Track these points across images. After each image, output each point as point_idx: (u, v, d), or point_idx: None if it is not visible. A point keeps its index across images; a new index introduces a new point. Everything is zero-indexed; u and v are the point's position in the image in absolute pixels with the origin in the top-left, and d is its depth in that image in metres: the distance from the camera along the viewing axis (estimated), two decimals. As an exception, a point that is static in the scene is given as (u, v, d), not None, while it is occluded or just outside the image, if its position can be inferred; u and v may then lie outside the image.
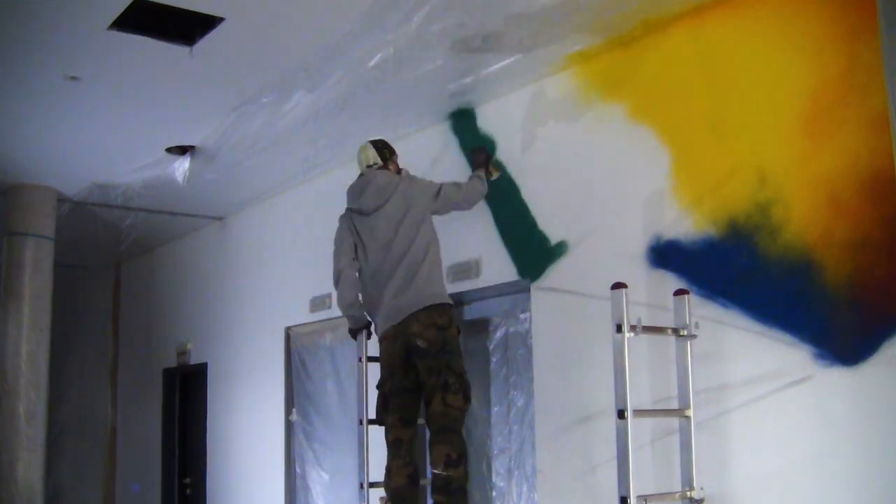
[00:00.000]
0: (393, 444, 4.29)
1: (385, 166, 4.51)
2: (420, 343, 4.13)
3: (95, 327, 9.72)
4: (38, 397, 6.52)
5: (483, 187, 4.61)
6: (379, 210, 4.37)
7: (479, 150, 4.77)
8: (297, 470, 6.53)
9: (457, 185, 4.53)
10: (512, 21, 4.00)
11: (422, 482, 4.48)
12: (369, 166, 4.52)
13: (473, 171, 4.70)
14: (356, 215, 4.47)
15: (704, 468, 3.58)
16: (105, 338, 9.65)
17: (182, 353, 8.19)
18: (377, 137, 4.65)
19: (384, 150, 4.56)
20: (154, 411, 8.64)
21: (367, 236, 4.40)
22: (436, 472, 4.06)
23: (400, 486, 4.24)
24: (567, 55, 4.32)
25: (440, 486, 4.06)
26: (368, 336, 4.58)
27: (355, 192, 4.52)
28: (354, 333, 4.61)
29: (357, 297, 4.48)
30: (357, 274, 4.45)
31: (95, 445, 9.52)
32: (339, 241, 4.52)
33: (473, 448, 5.13)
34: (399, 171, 4.56)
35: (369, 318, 4.50)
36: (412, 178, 4.51)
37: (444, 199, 4.43)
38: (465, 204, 4.56)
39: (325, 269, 6.24)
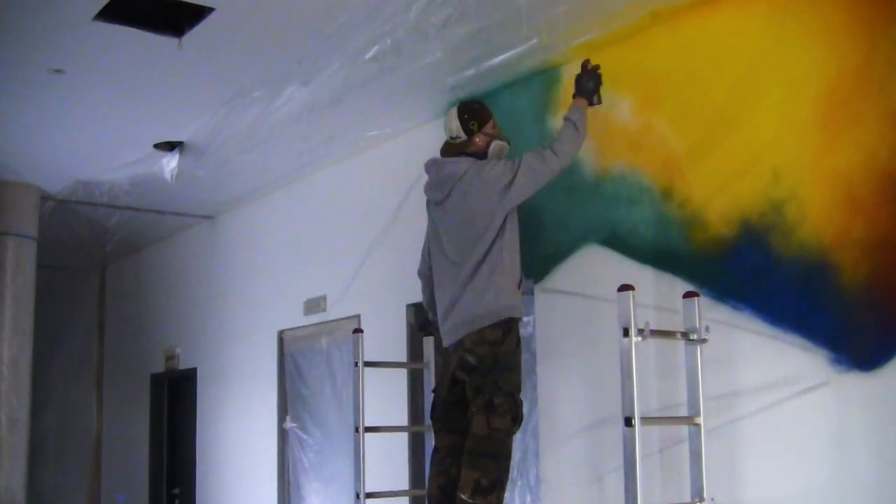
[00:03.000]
0: (433, 452, 4.12)
1: (470, 141, 4.01)
2: (470, 359, 3.83)
3: (80, 331, 9.72)
4: (21, 404, 6.52)
5: (579, 136, 3.91)
6: (443, 203, 4.00)
7: (589, 71, 4.04)
8: (291, 480, 6.53)
9: (538, 154, 3.87)
10: (515, 12, 4.00)
11: None
12: (452, 138, 4.05)
13: (574, 104, 3.99)
14: (429, 204, 4.14)
15: (715, 478, 3.58)
16: (90, 342, 9.65)
17: (170, 357, 8.19)
18: (471, 100, 4.21)
19: (472, 120, 4.01)
20: (141, 418, 8.63)
21: (432, 230, 4.11)
22: (462, 497, 3.74)
23: (431, 496, 4.04)
24: (572, 47, 4.32)
25: None
26: (433, 331, 4.37)
27: (428, 174, 4.13)
28: (422, 328, 4.50)
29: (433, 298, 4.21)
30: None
31: (80, 454, 9.52)
32: (426, 235, 4.23)
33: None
34: (487, 145, 4.02)
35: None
36: (483, 167, 3.92)
37: (520, 187, 3.85)
38: (556, 167, 3.88)
39: (319, 270, 6.28)
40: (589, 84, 4.01)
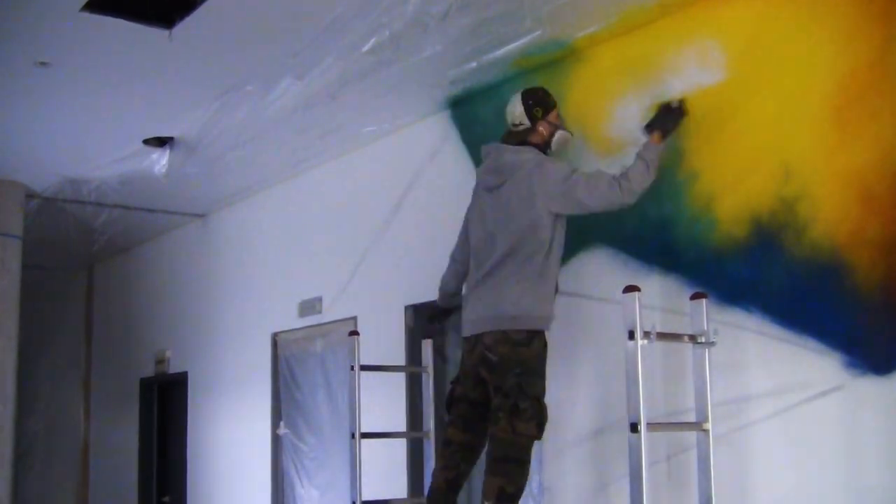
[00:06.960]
0: (442, 444, 4.07)
1: (534, 128, 3.97)
2: (490, 356, 3.80)
3: (67, 333, 9.72)
4: (6, 409, 6.52)
5: (649, 174, 3.71)
6: (496, 190, 3.93)
7: (669, 109, 3.85)
8: (285, 487, 6.53)
9: (605, 176, 3.74)
10: (517, 3, 3.99)
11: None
12: (514, 125, 3.99)
13: (649, 141, 3.80)
14: (480, 187, 4.09)
15: (724, 486, 3.57)
16: (77, 345, 9.65)
17: (160, 361, 8.19)
18: (535, 87, 4.08)
19: (537, 107, 3.96)
20: (130, 424, 8.64)
21: (477, 214, 4.05)
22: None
23: (435, 488, 4.03)
24: (577, 39, 4.31)
25: None
26: (443, 321, 4.63)
27: (483, 158, 4.08)
28: (431, 319, 4.61)
29: (453, 288, 4.38)
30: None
31: (67, 460, 9.52)
32: (465, 218, 4.21)
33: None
34: (550, 135, 3.98)
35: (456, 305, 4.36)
36: (545, 162, 3.85)
37: (574, 197, 3.75)
38: (615, 200, 3.72)
39: (314, 271, 6.28)
40: (668, 121, 3.84)
